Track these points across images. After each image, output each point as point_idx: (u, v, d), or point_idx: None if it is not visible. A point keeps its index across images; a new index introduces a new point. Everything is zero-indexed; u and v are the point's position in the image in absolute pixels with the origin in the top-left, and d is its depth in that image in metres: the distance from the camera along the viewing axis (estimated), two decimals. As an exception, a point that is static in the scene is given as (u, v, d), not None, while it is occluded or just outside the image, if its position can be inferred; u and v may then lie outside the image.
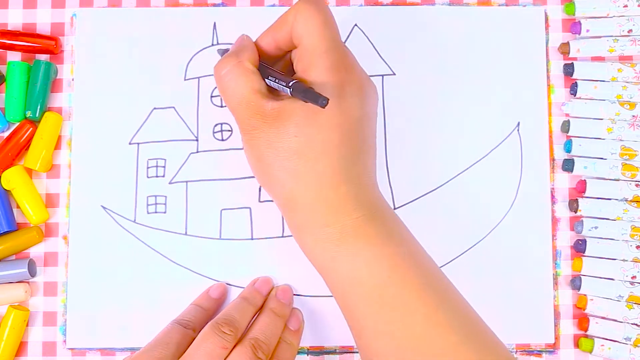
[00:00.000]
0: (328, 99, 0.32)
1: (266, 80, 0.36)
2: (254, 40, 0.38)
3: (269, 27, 0.38)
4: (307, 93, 0.33)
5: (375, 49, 0.45)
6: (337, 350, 0.43)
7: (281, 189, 0.35)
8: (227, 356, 0.36)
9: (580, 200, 0.43)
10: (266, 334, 0.38)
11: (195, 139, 0.44)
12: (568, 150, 0.44)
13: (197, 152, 0.44)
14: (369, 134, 0.36)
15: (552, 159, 0.44)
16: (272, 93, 0.36)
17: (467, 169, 0.44)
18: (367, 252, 0.34)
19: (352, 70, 0.36)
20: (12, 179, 0.43)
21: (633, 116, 0.43)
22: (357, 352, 0.42)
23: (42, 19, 0.45)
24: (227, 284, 0.43)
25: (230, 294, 0.43)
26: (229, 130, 0.44)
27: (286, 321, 0.41)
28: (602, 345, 0.42)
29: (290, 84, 0.34)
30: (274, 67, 0.38)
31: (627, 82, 0.44)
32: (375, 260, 0.34)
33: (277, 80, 0.35)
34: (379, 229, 0.35)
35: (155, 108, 0.44)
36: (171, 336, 0.38)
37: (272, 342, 0.38)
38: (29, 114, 0.43)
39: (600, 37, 0.44)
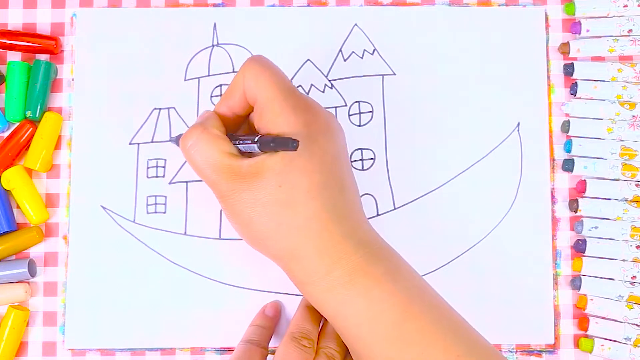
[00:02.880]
0: (298, 141, 0.32)
1: (237, 146, 0.35)
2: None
3: (222, 96, 0.37)
4: (275, 141, 0.32)
5: (376, 49, 0.45)
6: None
7: (277, 246, 0.35)
8: None
9: (580, 200, 0.43)
10: (337, 341, 0.38)
11: (195, 139, 0.44)
12: (568, 150, 0.44)
13: (197, 152, 0.44)
14: (346, 170, 0.36)
15: (552, 159, 0.44)
16: (246, 155, 0.36)
17: (467, 169, 0.44)
18: (379, 289, 0.33)
19: (313, 110, 0.35)
20: (12, 179, 0.43)
21: (633, 116, 0.43)
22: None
23: (42, 19, 0.45)
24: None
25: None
26: (229, 130, 0.44)
27: None
28: (602, 345, 0.42)
29: (256, 139, 0.34)
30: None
31: (627, 82, 0.44)
32: (390, 296, 0.33)
33: (242, 142, 0.35)
34: (385, 264, 0.34)
35: (155, 108, 0.44)
36: (249, 355, 0.38)
37: (344, 348, 0.38)
38: (29, 114, 0.43)
39: (600, 37, 0.44)
